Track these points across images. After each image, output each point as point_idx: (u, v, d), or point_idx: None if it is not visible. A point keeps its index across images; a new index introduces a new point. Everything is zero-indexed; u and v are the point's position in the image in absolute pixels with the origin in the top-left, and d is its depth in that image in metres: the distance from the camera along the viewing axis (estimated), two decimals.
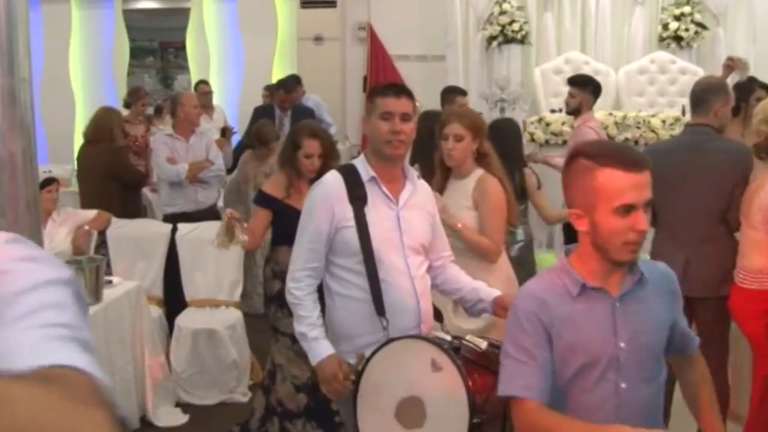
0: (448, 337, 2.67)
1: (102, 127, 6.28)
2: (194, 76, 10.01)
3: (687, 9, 8.86)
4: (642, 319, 2.12)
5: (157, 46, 18.17)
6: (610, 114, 6.75)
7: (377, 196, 2.86)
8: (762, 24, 8.91)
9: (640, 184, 1.99)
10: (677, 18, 8.88)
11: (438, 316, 3.06)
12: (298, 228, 2.91)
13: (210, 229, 5.16)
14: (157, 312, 5.28)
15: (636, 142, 6.65)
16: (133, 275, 5.22)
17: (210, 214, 5.85)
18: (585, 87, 5.90)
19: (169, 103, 6.20)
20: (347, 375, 2.73)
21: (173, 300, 5.48)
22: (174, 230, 5.48)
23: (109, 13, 10.02)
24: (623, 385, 2.10)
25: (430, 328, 2.93)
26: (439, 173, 3.89)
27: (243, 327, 5.19)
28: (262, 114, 7.31)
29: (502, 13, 8.84)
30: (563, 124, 6.63)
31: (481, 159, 3.77)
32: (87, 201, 6.08)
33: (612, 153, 2.04)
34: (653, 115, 6.79)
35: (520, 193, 4.60)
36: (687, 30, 8.83)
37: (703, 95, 3.88)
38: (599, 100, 8.59)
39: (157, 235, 5.53)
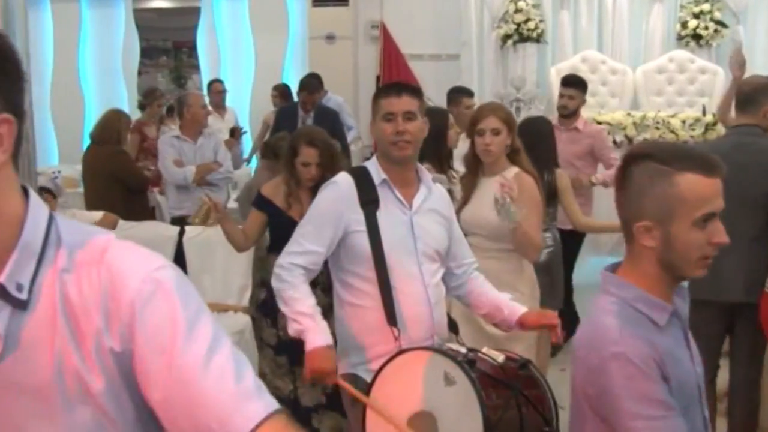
0: (463, 349, 2.53)
1: (109, 128, 6.26)
2: (205, 76, 9.92)
3: (706, 6, 8.66)
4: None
5: (171, 45, 18.16)
6: (629, 114, 6.59)
7: (389, 200, 2.74)
8: None
9: (719, 190, 1.75)
10: (696, 16, 8.69)
11: (453, 326, 2.93)
12: (300, 223, 2.82)
13: (218, 232, 5.09)
14: None
15: None
16: None
17: None
18: (583, 87, 5.79)
19: (176, 103, 6.08)
20: (334, 375, 2.64)
21: None
22: (182, 233, 5.38)
23: (119, 12, 9.93)
24: (706, 413, 1.90)
25: (444, 339, 2.80)
26: (471, 171, 3.75)
27: (251, 332, 5.03)
28: (287, 116, 6.95)
29: (518, 11, 8.68)
30: None
31: (513, 155, 3.65)
32: (92, 202, 6.02)
33: (689, 156, 1.77)
34: (673, 116, 6.63)
35: (550, 195, 4.44)
36: (706, 28, 8.64)
37: (753, 95, 3.74)
38: (616, 100, 8.59)
39: (165, 237, 5.43)
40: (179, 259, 5.35)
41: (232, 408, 1.15)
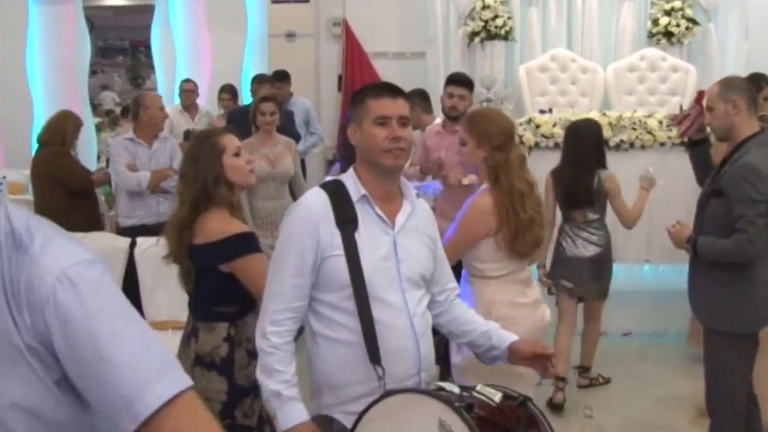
0: (456, 389, 2.19)
1: (55, 130, 5.96)
2: (160, 76, 9.48)
3: (677, 3, 8.56)
4: None
5: (128, 44, 17.71)
6: (604, 114, 6.30)
7: (370, 219, 2.39)
8: (755, 19, 8.67)
9: None
10: (667, 13, 8.59)
11: (438, 358, 2.59)
12: (273, 260, 2.42)
13: None
14: None
15: (631, 145, 6.22)
16: None
17: None
18: (471, 87, 5.41)
19: (132, 105, 5.65)
20: None
21: None
22: (133, 245, 4.99)
23: (68, 9, 9.43)
24: None
25: (432, 376, 2.46)
26: None
27: None
28: (239, 118, 6.05)
29: (485, 7, 8.51)
30: (554, 125, 6.18)
31: (497, 169, 3.33)
32: (38, 208, 5.63)
33: None
34: (649, 116, 6.36)
35: (599, 197, 4.77)
36: (678, 25, 8.53)
37: None
38: (586, 99, 8.36)
39: (114, 249, 5.02)
40: (131, 273, 4.97)
41: (142, 384, 1.26)
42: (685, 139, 4.40)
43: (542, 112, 6.95)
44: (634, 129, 6.22)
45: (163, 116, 5.54)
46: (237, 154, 3.12)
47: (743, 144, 3.52)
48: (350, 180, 2.42)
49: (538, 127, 6.21)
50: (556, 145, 6.15)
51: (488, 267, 3.29)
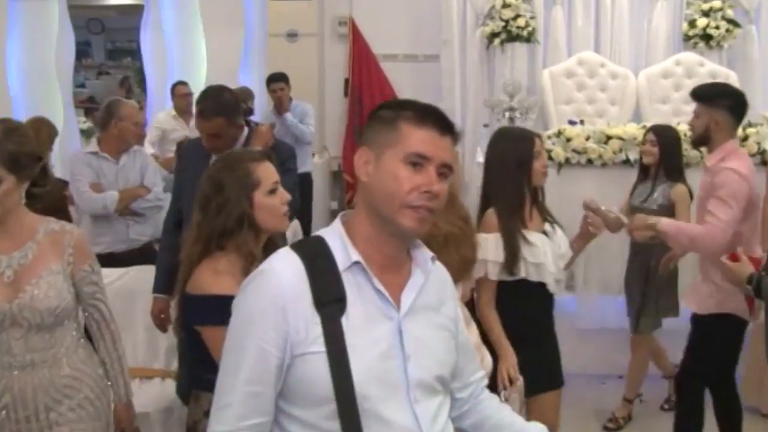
0: None
1: None
2: (150, 79, 8.90)
3: (717, 3, 7.88)
4: None
5: (136, 46, 17.15)
6: (644, 127, 5.54)
7: (364, 297, 1.62)
8: None
9: None
10: (705, 14, 7.91)
11: None
12: (224, 355, 1.66)
13: (143, 276, 4.14)
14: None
15: None
16: None
17: (144, 254, 4.62)
18: (715, 103, 3.83)
19: (101, 111, 4.89)
20: None
21: None
22: None
23: (51, 5, 8.77)
24: None
25: None
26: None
27: (181, 408, 3.95)
28: (191, 154, 4.04)
29: (505, 6, 7.90)
30: (587, 138, 5.43)
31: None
32: None
33: None
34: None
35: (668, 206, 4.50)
36: (717, 27, 7.85)
37: None
38: (616, 108, 7.65)
39: None
40: None
41: None
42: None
43: (572, 123, 6.22)
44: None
45: (136, 133, 4.80)
46: (273, 191, 2.52)
47: None
48: (336, 238, 1.66)
49: (569, 140, 5.47)
50: (589, 161, 5.42)
51: None
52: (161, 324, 3.77)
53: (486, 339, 3.17)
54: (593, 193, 4.11)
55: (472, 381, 1.91)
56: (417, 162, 1.60)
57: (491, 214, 3.25)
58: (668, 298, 4.70)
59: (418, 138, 1.61)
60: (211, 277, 2.41)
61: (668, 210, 4.48)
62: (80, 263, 2.62)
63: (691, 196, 4.45)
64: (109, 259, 4.53)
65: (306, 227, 6.27)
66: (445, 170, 1.63)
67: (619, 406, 4.84)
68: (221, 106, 3.56)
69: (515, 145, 3.27)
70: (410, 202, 1.59)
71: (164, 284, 3.67)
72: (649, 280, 4.64)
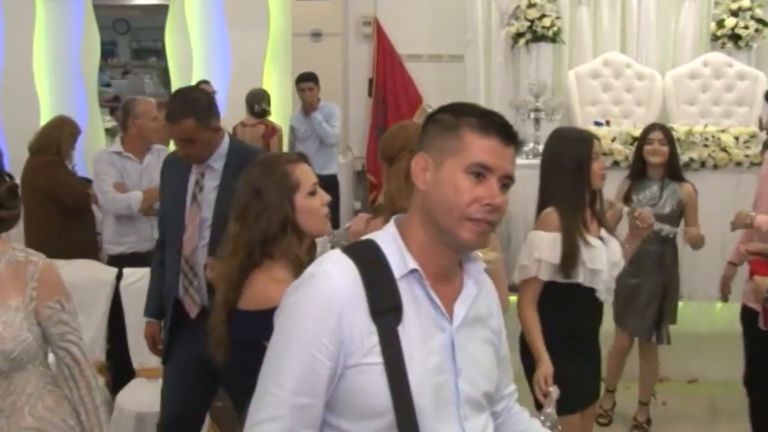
0: None
1: (48, 137, 5.30)
2: (174, 78, 8.84)
3: (746, 3, 7.71)
4: None
5: (161, 46, 17.18)
6: (671, 129, 5.48)
7: (420, 306, 1.56)
8: None
9: None
10: (734, 13, 7.74)
11: None
12: (266, 365, 1.58)
13: None
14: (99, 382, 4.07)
15: (703, 164, 5.40)
16: None
17: None
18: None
19: (120, 112, 4.90)
20: None
21: (119, 367, 4.34)
22: (119, 276, 4.30)
23: (77, 4, 8.82)
24: None
25: None
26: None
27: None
28: (171, 169, 3.64)
29: (531, 6, 7.77)
30: (613, 140, 5.37)
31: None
32: (28, 227, 4.93)
33: None
34: (723, 131, 5.53)
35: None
36: (746, 27, 7.68)
37: None
38: (642, 109, 7.55)
39: (99, 282, 4.32)
40: (117, 308, 4.27)
41: None
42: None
43: (597, 124, 6.16)
44: (706, 146, 5.40)
45: (156, 127, 4.74)
46: (313, 193, 2.41)
47: None
48: (392, 244, 1.59)
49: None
50: (615, 163, 5.36)
51: None
52: (155, 347, 3.54)
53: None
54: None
55: (506, 394, 1.85)
56: (479, 173, 1.54)
57: (551, 212, 3.12)
58: (675, 306, 4.64)
59: (482, 147, 1.55)
60: (272, 287, 2.20)
61: (680, 213, 4.42)
62: (45, 299, 2.18)
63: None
64: (133, 259, 4.55)
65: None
66: (508, 182, 1.57)
67: (638, 410, 4.75)
68: (189, 106, 3.16)
69: (573, 145, 3.16)
70: (470, 215, 1.53)
71: (156, 307, 3.48)
72: (667, 293, 4.54)
